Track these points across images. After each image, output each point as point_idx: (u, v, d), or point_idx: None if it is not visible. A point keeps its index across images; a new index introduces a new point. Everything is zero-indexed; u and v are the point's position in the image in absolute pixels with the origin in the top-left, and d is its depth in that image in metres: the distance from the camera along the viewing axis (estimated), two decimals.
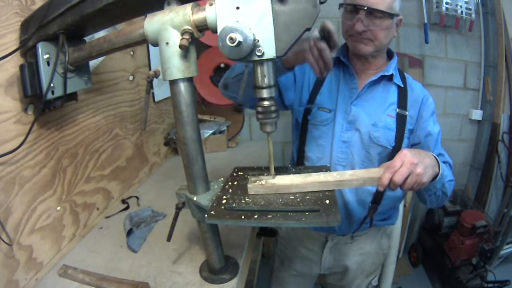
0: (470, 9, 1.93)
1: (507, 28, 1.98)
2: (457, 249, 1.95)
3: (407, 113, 0.97)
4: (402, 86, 0.99)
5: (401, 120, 0.96)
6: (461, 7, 1.91)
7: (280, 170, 0.83)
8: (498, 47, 2.02)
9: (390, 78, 0.99)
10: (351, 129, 0.99)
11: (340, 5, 0.94)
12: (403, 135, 0.96)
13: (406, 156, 0.70)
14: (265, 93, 0.63)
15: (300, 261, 1.20)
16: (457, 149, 2.22)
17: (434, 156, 0.79)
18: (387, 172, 0.69)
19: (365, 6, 0.86)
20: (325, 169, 0.83)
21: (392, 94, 0.99)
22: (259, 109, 0.64)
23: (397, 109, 0.97)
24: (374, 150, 0.97)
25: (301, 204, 0.65)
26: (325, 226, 1.01)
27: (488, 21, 2.02)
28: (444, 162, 0.93)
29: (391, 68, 0.98)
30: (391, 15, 0.88)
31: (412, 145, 0.99)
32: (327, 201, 0.65)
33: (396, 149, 0.95)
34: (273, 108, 0.64)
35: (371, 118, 0.97)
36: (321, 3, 0.55)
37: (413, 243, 2.35)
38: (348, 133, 0.99)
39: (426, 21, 1.93)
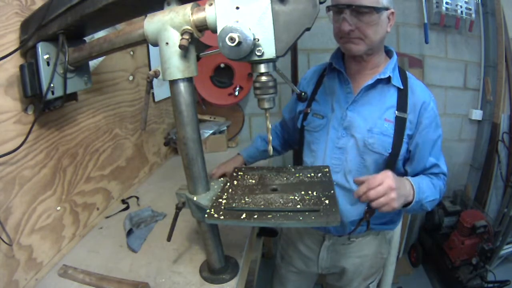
0: (470, 9, 1.93)
1: (507, 28, 1.98)
2: (457, 249, 1.95)
3: (407, 116, 0.91)
4: (402, 87, 0.93)
5: (400, 124, 0.91)
6: (461, 7, 1.91)
7: (280, 170, 0.84)
8: (498, 47, 2.02)
9: (388, 80, 0.94)
10: (347, 135, 0.96)
11: (327, 9, 0.91)
12: (402, 140, 0.91)
13: (388, 177, 0.76)
14: (262, 68, 0.62)
15: (299, 259, 1.20)
16: (457, 149, 2.22)
17: (412, 186, 0.85)
18: (365, 185, 0.76)
19: (347, 5, 0.83)
20: (325, 168, 0.84)
21: (391, 97, 0.93)
22: (257, 84, 0.63)
23: (396, 112, 0.91)
24: (369, 157, 0.93)
25: (301, 204, 0.65)
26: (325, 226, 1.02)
27: (488, 21, 2.02)
28: (436, 174, 0.94)
29: (388, 70, 0.92)
30: (377, 9, 0.83)
31: (409, 151, 0.95)
32: (327, 201, 0.65)
33: (393, 155, 0.92)
34: (270, 83, 0.63)
35: (366, 123, 0.93)
36: (321, 3, 0.55)
37: (413, 243, 2.35)
38: (343, 139, 0.96)
39: (426, 21, 1.93)
